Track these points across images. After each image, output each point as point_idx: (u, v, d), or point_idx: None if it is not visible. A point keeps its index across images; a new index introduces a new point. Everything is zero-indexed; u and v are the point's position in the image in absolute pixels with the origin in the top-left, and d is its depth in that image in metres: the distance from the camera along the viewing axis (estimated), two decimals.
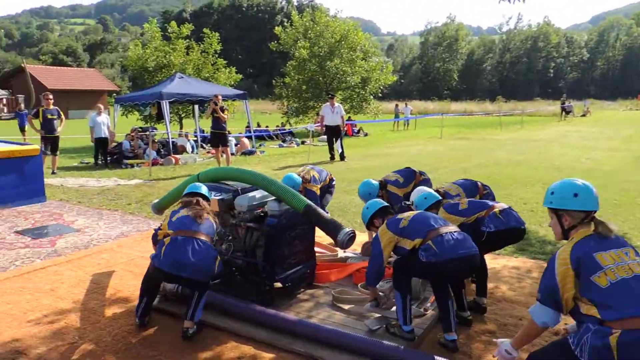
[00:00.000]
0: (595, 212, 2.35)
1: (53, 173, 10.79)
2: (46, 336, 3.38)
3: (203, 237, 3.37)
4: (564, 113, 33.12)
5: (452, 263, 3.06)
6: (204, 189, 3.81)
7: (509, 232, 3.60)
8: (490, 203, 3.78)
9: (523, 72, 72.76)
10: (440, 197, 3.90)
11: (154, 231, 3.74)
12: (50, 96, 11.10)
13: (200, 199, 3.63)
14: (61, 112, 11.22)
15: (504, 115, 29.60)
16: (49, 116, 10.82)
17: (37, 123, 10.91)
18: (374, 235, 3.45)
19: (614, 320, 2.03)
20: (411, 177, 5.15)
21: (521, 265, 4.78)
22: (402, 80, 72.76)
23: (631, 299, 2.03)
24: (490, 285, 4.24)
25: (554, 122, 30.00)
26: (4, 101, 23.35)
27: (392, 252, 3.29)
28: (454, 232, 3.20)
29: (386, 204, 3.79)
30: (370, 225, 3.72)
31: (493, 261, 4.86)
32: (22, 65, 42.86)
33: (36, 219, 6.61)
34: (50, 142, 10.85)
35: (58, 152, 11.25)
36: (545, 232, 5.83)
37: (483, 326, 3.52)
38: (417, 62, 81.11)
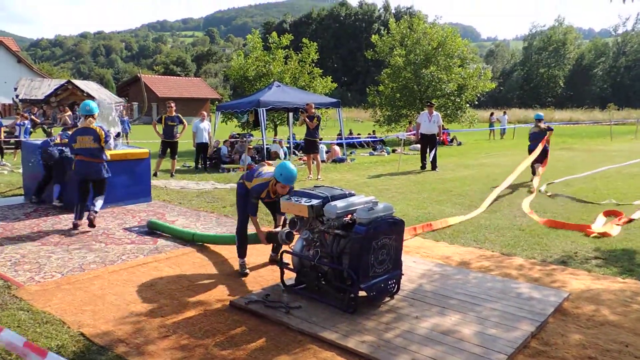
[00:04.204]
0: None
1: (171, 176, 11.63)
2: (144, 328, 3.64)
3: (100, 162, 6.44)
4: None
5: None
6: (92, 105, 6.52)
7: None
8: None
9: None
10: None
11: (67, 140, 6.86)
12: (172, 104, 12.11)
13: (91, 119, 6.42)
14: (182, 119, 12.14)
15: (615, 124, 27.27)
16: (169, 123, 11.84)
17: (160, 128, 11.98)
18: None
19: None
20: None
21: (627, 288, 4.36)
22: (502, 88, 69.46)
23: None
24: (590, 307, 3.94)
25: None
26: (121, 108, 25.60)
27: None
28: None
29: None
30: None
31: (595, 282, 4.50)
32: (138, 75, 46.80)
33: (142, 217, 7.16)
34: (169, 146, 11.85)
35: (176, 157, 12.17)
36: None
37: (582, 351, 3.26)
38: (519, 68, 77.07)
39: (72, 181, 7.79)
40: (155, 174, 11.49)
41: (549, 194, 8.88)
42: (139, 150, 8.43)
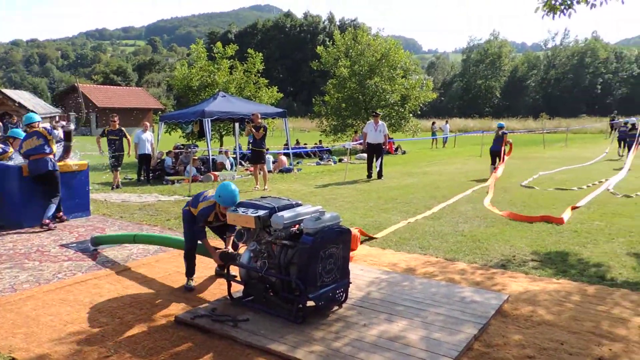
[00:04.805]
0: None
1: (113, 188, 11.33)
2: (82, 349, 3.46)
3: (46, 156, 7.13)
4: (613, 130, 31.90)
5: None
6: (35, 117, 7.54)
7: None
8: None
9: (569, 89, 70.67)
10: None
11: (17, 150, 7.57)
12: (116, 118, 11.91)
13: (37, 127, 7.33)
14: (126, 133, 12.00)
15: (547, 132, 28.78)
16: (111, 137, 11.74)
17: (104, 142, 11.71)
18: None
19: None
20: None
21: (561, 289, 4.58)
22: (443, 98, 72.09)
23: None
24: (527, 308, 4.10)
25: (602, 139, 28.95)
26: (57, 118, 24.46)
27: None
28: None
29: None
30: None
31: (532, 283, 4.70)
32: (75, 84, 44.97)
33: (80, 233, 6.85)
34: (113, 159, 11.70)
35: (119, 169, 11.91)
36: (589, 254, 5.60)
37: (521, 350, 3.39)
38: (458, 80, 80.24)
39: (7, 196, 7.41)
40: (112, 187, 11.52)
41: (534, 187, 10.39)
42: (76, 162, 8.08)
